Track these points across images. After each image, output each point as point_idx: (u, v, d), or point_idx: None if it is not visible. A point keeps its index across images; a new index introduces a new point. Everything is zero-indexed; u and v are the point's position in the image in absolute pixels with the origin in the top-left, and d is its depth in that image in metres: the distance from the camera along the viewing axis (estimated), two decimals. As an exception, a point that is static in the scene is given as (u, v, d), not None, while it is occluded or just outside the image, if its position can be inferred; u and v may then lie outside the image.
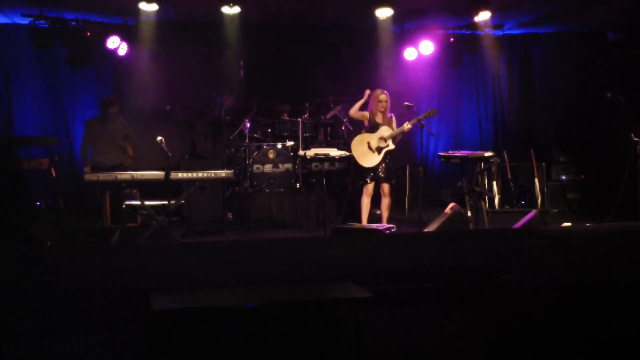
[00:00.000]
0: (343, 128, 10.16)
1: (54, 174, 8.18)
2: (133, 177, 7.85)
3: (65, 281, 4.40)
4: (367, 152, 8.43)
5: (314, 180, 10.02)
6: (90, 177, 7.97)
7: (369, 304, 4.41)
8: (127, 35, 9.98)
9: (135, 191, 8.25)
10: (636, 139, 8.39)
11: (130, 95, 10.40)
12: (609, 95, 8.64)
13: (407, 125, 8.34)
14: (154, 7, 9.24)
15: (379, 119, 8.47)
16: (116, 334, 4.29)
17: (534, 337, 4.59)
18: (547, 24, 11.20)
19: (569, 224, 8.80)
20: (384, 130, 8.40)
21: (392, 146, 8.41)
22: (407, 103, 8.50)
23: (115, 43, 9.89)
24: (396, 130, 8.38)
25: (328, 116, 10.35)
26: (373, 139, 8.45)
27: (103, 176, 7.98)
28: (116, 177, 7.88)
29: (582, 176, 9.19)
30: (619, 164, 8.78)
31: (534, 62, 12.14)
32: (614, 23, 11.20)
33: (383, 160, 8.40)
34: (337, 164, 9.44)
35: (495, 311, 4.79)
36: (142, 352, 4.27)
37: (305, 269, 4.86)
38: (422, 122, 8.21)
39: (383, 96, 8.46)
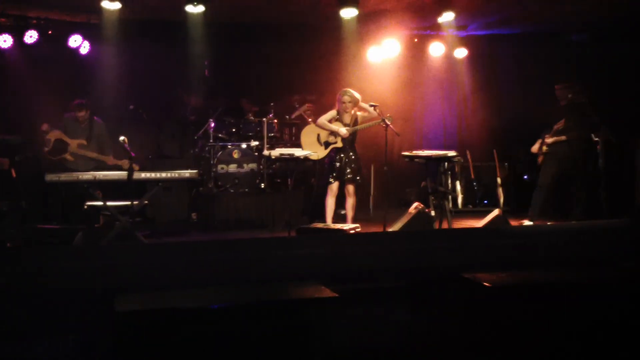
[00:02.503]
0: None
1: (14, 174, 8.06)
2: (95, 177, 7.75)
3: (27, 283, 4.34)
4: (315, 143, 8.53)
5: (279, 180, 10.01)
6: (51, 177, 7.84)
7: (336, 304, 4.42)
8: (90, 34, 9.85)
9: (97, 192, 8.15)
10: (597, 138, 8.53)
11: (93, 94, 10.27)
12: (570, 95, 8.77)
13: (364, 125, 8.51)
14: (117, 5, 9.13)
15: (346, 119, 8.50)
16: (82, 336, 4.24)
17: (500, 336, 4.64)
18: (510, 25, 11.32)
19: (530, 222, 8.91)
20: (339, 125, 8.47)
21: (339, 144, 8.46)
22: (371, 103, 8.54)
23: (77, 42, 9.78)
24: (354, 127, 8.46)
25: (293, 116, 10.34)
26: (324, 132, 8.52)
27: (64, 177, 7.87)
28: (78, 177, 7.78)
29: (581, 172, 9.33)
30: (581, 163, 8.93)
31: (498, 63, 12.25)
32: (578, 25, 11.36)
33: (326, 157, 8.48)
34: (304, 163, 9.43)
35: (462, 310, 4.84)
36: (108, 355, 4.22)
37: (270, 270, 4.85)
38: (386, 122, 8.26)
39: (345, 97, 8.48)
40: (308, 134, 8.71)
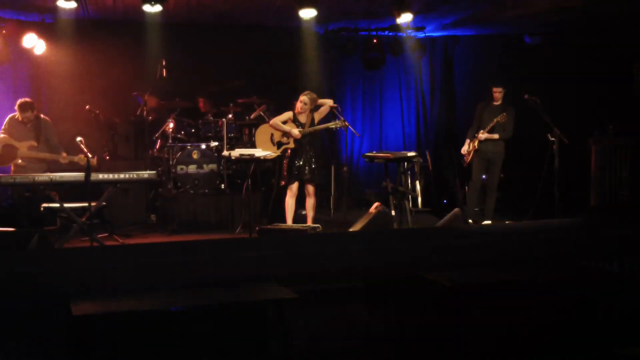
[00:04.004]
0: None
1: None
2: (51, 179, 7.62)
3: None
4: (267, 143, 8.57)
5: (239, 181, 9.96)
6: (6, 179, 7.70)
7: (295, 304, 4.41)
8: (44, 34, 9.70)
9: (54, 193, 8.02)
10: (552, 139, 8.65)
11: (48, 95, 10.12)
12: (526, 96, 8.89)
13: (318, 126, 8.52)
14: (72, 4, 8.99)
15: (302, 119, 8.51)
16: (38, 340, 4.17)
17: (458, 335, 4.67)
18: (467, 27, 11.44)
19: (489, 222, 9.01)
20: (293, 127, 8.47)
21: (292, 145, 8.48)
22: (331, 104, 8.58)
23: (31, 41, 9.61)
24: (307, 129, 8.45)
25: (252, 116, 10.30)
26: (277, 132, 8.54)
27: (20, 178, 7.73)
28: (34, 179, 7.64)
29: (502, 175, 9.44)
30: (537, 163, 9.05)
31: (455, 64, 12.38)
32: (532, 27, 11.54)
33: (286, 157, 8.52)
34: (264, 164, 9.41)
35: (420, 309, 4.86)
36: (64, 359, 4.16)
37: (230, 271, 4.82)
38: (346, 123, 8.30)
39: (303, 97, 8.50)
40: (262, 133, 8.74)
